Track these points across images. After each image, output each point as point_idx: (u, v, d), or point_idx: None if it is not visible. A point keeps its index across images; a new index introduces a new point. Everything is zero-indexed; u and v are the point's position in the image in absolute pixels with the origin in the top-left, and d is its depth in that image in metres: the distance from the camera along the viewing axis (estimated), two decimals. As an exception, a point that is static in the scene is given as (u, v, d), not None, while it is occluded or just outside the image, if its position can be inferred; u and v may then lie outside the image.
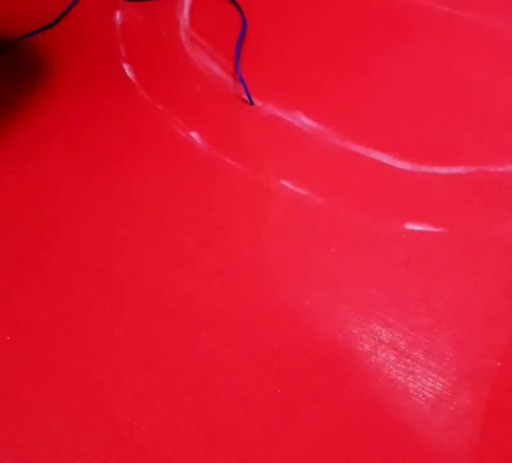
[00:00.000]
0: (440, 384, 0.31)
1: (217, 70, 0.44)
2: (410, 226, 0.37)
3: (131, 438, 0.32)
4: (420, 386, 0.32)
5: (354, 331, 0.34)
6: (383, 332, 0.33)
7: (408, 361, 0.32)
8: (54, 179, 0.41)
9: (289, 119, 0.42)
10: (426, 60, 0.44)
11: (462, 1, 0.46)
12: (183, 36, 0.46)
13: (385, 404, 0.31)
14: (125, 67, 0.46)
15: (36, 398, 0.33)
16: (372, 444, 0.31)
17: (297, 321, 0.34)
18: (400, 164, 0.39)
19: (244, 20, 0.43)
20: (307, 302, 0.35)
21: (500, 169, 0.39)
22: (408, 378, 0.32)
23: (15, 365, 0.34)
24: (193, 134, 0.42)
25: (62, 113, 0.44)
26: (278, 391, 0.32)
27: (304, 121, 0.42)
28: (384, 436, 0.31)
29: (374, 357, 0.33)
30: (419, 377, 0.32)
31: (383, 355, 0.33)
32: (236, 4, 0.45)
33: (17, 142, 0.42)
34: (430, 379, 0.32)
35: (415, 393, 0.31)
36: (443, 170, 0.39)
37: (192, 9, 0.46)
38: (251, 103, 0.43)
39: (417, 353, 0.33)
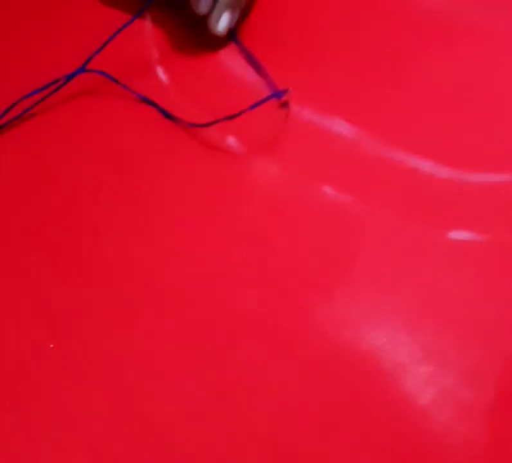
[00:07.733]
0: (471, 396, 0.32)
1: (253, 75, 0.44)
2: (454, 235, 0.37)
3: (180, 449, 0.32)
4: (453, 398, 0.32)
5: (403, 340, 0.34)
6: (432, 342, 0.33)
7: (447, 372, 0.32)
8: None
9: (328, 124, 0.42)
10: (469, 65, 0.43)
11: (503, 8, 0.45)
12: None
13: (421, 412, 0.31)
14: (159, 69, 0.46)
15: (80, 407, 0.33)
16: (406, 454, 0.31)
17: (344, 331, 0.34)
18: (442, 171, 0.39)
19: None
20: (352, 312, 0.35)
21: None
22: (441, 389, 0.32)
23: (59, 374, 0.34)
24: (230, 139, 0.42)
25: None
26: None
27: (343, 126, 0.41)
28: (412, 445, 0.31)
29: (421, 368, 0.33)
30: (455, 389, 0.32)
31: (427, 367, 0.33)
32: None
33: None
34: (467, 393, 0.32)
35: (443, 404, 0.32)
36: (486, 177, 0.38)
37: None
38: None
39: (458, 367, 0.33)
